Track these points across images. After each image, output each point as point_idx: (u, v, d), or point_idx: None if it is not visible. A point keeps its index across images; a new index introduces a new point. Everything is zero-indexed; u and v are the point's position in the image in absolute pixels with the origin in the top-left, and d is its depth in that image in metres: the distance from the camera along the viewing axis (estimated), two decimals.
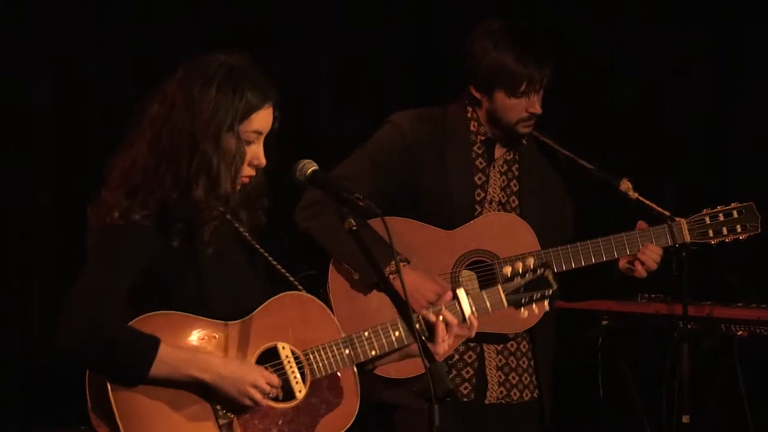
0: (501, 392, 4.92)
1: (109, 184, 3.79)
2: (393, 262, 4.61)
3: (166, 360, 3.67)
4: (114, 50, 5.50)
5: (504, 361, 4.93)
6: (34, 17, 5.36)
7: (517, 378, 4.94)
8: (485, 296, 4.05)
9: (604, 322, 5.69)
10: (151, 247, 3.73)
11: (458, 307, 4.01)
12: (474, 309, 4.02)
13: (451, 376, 4.83)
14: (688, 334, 5.34)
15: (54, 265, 5.38)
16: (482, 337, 4.77)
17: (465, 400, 4.86)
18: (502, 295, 4.07)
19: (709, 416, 5.61)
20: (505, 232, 4.87)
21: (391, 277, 4.63)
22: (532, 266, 4.10)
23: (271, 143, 3.86)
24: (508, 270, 4.10)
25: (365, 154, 4.89)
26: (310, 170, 3.85)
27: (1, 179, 5.34)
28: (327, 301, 4.66)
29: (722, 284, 5.83)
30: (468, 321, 4.01)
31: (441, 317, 3.95)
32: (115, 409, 3.66)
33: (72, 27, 5.45)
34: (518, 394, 4.95)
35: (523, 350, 4.97)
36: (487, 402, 4.90)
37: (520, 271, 4.09)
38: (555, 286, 4.12)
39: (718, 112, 6.49)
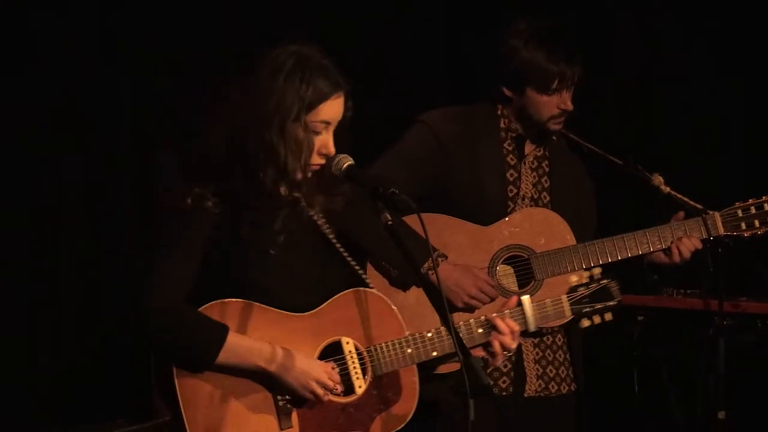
0: (539, 385, 4.94)
1: (185, 170, 3.82)
2: (430, 258, 4.62)
3: (233, 348, 3.74)
4: (142, 44, 5.51)
5: (541, 354, 4.95)
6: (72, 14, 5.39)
7: (554, 371, 4.96)
8: (549, 305, 4.13)
9: (640, 318, 5.67)
10: (220, 234, 3.79)
11: (522, 315, 4.07)
12: (538, 317, 4.11)
13: (489, 370, 4.84)
14: (724, 329, 5.33)
15: (86, 261, 5.40)
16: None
17: (504, 393, 4.89)
18: (566, 305, 4.15)
19: (745, 412, 5.58)
20: (541, 227, 4.90)
21: (430, 272, 4.69)
22: (596, 276, 4.18)
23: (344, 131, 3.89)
24: (573, 279, 4.18)
25: (397, 154, 4.92)
26: (346, 165, 3.88)
27: (34, 176, 5.35)
28: None
29: (758, 279, 5.79)
30: (530, 328, 4.09)
31: (506, 325, 4.01)
32: (179, 394, 3.73)
33: (109, 23, 5.46)
34: (556, 387, 4.96)
35: (559, 343, 4.99)
36: (526, 395, 4.92)
37: (585, 281, 4.16)
38: (619, 298, 4.20)
39: (754, 106, 6.47)
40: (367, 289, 3.95)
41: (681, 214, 4.97)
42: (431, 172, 4.89)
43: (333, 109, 3.84)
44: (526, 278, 4.88)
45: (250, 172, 3.80)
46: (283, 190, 3.84)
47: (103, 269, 5.33)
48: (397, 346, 3.91)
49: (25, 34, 5.26)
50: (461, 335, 3.97)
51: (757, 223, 5.00)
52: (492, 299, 4.78)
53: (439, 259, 4.77)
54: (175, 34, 5.52)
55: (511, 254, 4.89)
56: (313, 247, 3.95)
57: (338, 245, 3.97)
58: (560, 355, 4.99)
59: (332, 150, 3.85)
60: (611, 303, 4.19)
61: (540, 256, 4.87)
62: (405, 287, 4.77)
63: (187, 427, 3.72)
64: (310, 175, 3.88)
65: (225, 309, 3.77)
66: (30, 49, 5.29)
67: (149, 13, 5.46)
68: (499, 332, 4.01)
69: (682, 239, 4.91)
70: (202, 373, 3.74)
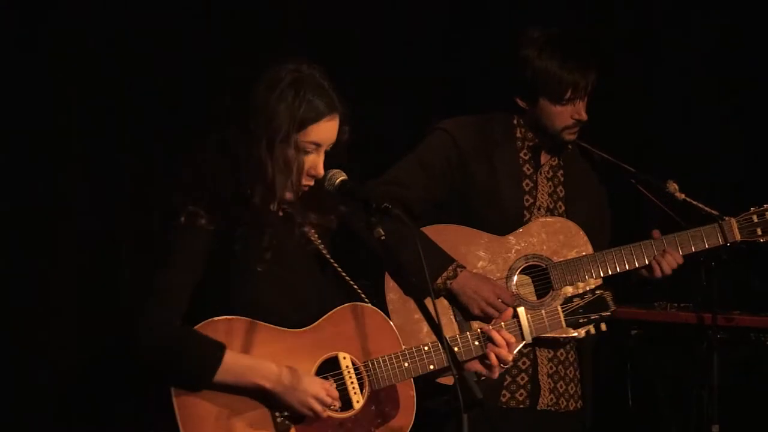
0: (551, 399, 4.94)
1: (179, 185, 3.82)
2: (450, 268, 4.71)
3: (231, 367, 3.70)
4: (150, 47, 5.51)
5: (554, 369, 4.94)
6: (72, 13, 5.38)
7: (564, 387, 4.95)
8: (545, 316, 4.11)
9: (634, 332, 5.68)
10: (214, 251, 3.76)
11: (518, 326, 4.05)
12: (533, 328, 4.08)
13: (506, 383, 4.86)
14: (718, 343, 5.34)
15: (91, 269, 5.40)
16: (536, 342, 4.79)
17: (521, 406, 4.89)
18: (562, 317, 4.13)
19: (739, 426, 5.59)
20: (558, 237, 4.90)
21: (448, 282, 4.72)
22: (592, 287, 4.18)
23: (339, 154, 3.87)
24: (568, 290, 4.20)
25: (415, 160, 4.91)
26: (338, 180, 3.85)
27: (38, 183, 5.35)
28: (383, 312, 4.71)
29: (752, 293, 5.80)
30: (526, 339, 4.07)
31: (502, 337, 4.00)
32: (177, 413, 3.69)
33: (113, 25, 5.46)
34: (565, 403, 4.96)
35: (571, 359, 4.99)
36: (538, 408, 4.92)
37: (580, 291, 4.16)
38: (612, 308, 4.19)
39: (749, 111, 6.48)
40: (363, 303, 3.92)
41: (656, 232, 4.96)
42: (450, 179, 4.89)
43: (325, 131, 3.81)
44: (544, 288, 4.87)
45: (240, 188, 3.78)
46: (272, 206, 3.82)
47: (105, 277, 5.32)
48: (394, 360, 3.89)
49: (26, 36, 5.27)
50: (458, 348, 3.97)
51: None
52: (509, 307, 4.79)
53: (458, 269, 4.78)
54: (179, 45, 5.52)
55: (528, 264, 4.89)
56: (307, 263, 3.93)
57: (333, 261, 3.96)
58: (571, 372, 4.98)
59: (321, 172, 3.83)
60: (605, 313, 4.18)
61: (558, 265, 4.86)
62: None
63: None
64: (300, 195, 3.86)
65: (223, 326, 3.74)
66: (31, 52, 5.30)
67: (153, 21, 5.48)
68: (495, 344, 3.99)
69: (665, 255, 4.90)
70: (200, 391, 3.71)
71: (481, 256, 4.86)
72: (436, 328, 3.66)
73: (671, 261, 4.89)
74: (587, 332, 4.25)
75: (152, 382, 3.75)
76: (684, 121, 6.43)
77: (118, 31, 5.38)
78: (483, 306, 4.76)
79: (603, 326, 4.22)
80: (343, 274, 3.96)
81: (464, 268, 4.79)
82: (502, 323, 4.04)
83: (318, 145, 3.82)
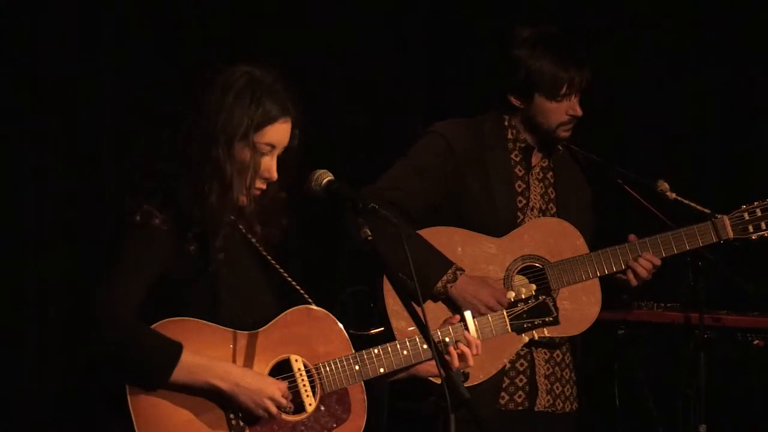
0: (548, 401, 4.93)
1: (132, 186, 3.82)
2: (450, 271, 4.72)
3: (187, 366, 3.73)
4: (129, 49, 5.50)
5: (551, 370, 4.94)
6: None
7: (560, 388, 4.95)
8: (490, 320, 4.14)
9: (621, 332, 5.68)
10: (169, 251, 3.78)
11: (464, 329, 4.07)
12: (480, 332, 4.10)
13: (504, 385, 4.86)
14: (704, 343, 5.34)
15: (70, 271, 5.38)
16: (533, 344, 4.83)
17: (520, 408, 4.88)
18: (507, 320, 4.15)
19: (726, 426, 5.60)
20: (553, 237, 4.90)
21: (449, 285, 4.72)
22: (533, 293, 4.19)
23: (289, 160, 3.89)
24: (511, 295, 4.20)
25: (410, 162, 4.89)
26: (325, 180, 3.86)
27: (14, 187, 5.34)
28: (383, 317, 4.70)
29: (738, 293, 5.81)
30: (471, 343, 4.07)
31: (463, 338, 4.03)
32: (132, 411, 3.71)
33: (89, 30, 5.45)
34: (561, 404, 4.96)
35: (567, 361, 4.99)
36: (536, 409, 4.91)
37: (523, 297, 4.18)
38: (555, 314, 4.20)
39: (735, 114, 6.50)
40: (313, 306, 3.96)
41: (633, 237, 4.95)
42: (444, 181, 4.88)
43: (280, 132, 3.85)
44: (541, 288, 4.86)
45: (196, 190, 3.79)
46: (226, 208, 3.84)
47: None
48: (345, 363, 3.92)
49: None
50: (407, 351, 4.00)
51: (763, 225, 4.96)
52: None
53: (457, 273, 4.77)
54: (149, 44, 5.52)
55: (525, 265, 4.88)
56: (252, 267, 3.96)
57: (277, 265, 3.99)
58: (566, 374, 4.98)
59: (275, 175, 3.87)
60: (548, 319, 4.19)
61: (554, 265, 4.86)
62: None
63: None
64: (251, 200, 3.88)
65: (175, 327, 3.76)
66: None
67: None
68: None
69: (639, 259, 4.90)
70: (156, 391, 3.73)
71: (478, 258, 4.85)
72: (423, 328, 3.64)
73: (646, 264, 4.88)
74: (531, 338, 4.25)
75: (108, 380, 3.74)
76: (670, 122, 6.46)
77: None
78: (483, 311, 4.73)
79: (545, 332, 4.22)
80: (290, 279, 3.99)
81: (463, 271, 4.78)
82: (450, 327, 4.08)
83: (273, 147, 3.86)
